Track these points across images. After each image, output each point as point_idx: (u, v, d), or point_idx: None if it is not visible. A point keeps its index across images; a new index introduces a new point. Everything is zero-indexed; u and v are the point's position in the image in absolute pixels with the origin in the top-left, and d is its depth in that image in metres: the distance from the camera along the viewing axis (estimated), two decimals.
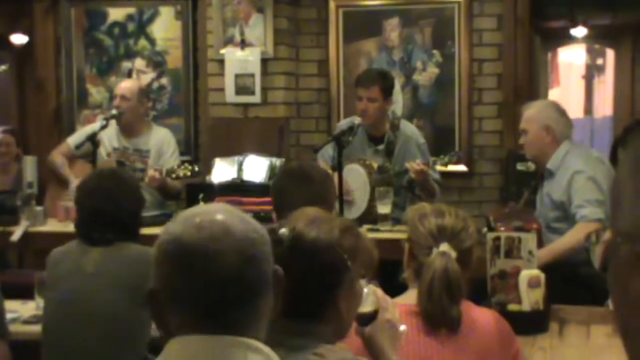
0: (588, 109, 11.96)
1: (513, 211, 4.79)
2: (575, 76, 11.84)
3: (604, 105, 11.74)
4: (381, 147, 5.60)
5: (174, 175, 5.59)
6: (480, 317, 2.74)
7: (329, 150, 5.43)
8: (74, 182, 5.77)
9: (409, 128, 5.75)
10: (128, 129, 6.07)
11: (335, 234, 2.19)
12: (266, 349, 1.65)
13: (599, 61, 11.76)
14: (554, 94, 10.52)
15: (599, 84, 11.96)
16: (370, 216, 5.35)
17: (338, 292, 2.16)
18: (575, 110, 11.28)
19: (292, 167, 4.02)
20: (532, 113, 4.82)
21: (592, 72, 11.88)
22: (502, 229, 4.10)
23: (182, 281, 1.60)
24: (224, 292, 1.60)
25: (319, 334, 2.12)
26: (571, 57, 11.26)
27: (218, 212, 1.66)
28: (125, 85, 6.14)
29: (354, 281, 2.21)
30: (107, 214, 3.60)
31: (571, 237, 4.49)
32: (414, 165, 5.20)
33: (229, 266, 1.59)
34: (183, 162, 5.73)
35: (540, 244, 4.32)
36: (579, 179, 4.56)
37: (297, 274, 2.10)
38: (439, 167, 5.51)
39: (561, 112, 4.90)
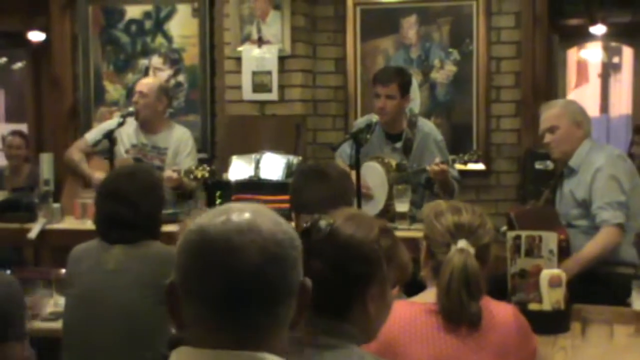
0: (604, 107, 11.93)
1: (535, 209, 4.75)
2: (592, 74, 11.81)
3: (620, 103, 11.70)
4: (399, 144, 5.58)
5: (191, 176, 5.59)
6: (499, 313, 2.71)
7: (346, 149, 5.41)
8: (96, 175, 5.78)
9: (427, 125, 5.73)
10: (147, 126, 6.08)
11: (375, 232, 2.16)
12: None
13: (615, 59, 11.73)
14: (574, 93, 10.48)
15: (615, 82, 11.92)
16: (388, 214, 5.33)
17: (368, 289, 2.13)
18: (591, 109, 11.25)
19: (308, 166, 4.00)
20: (559, 110, 4.75)
21: (608, 70, 11.84)
22: None
23: (199, 272, 1.52)
24: (241, 288, 1.51)
25: (347, 334, 2.09)
26: (587, 56, 11.22)
27: (250, 210, 1.59)
28: (144, 82, 6.15)
29: (387, 284, 2.18)
30: (125, 218, 3.57)
31: (596, 245, 4.45)
32: (434, 167, 5.17)
33: (249, 261, 1.51)
34: (201, 164, 5.72)
35: (568, 252, 4.29)
36: (600, 177, 4.52)
37: (330, 265, 2.07)
38: (458, 166, 5.48)
39: (583, 108, 4.87)
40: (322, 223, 2.11)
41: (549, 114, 4.77)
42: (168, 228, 4.73)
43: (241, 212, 1.57)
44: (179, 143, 6.12)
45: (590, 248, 4.44)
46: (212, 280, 1.51)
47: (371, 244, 2.13)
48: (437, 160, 5.24)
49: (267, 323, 1.55)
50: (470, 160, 5.38)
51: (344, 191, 3.51)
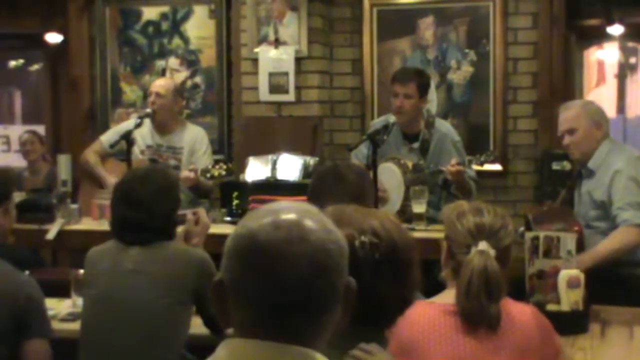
0: (620, 108, 11.87)
1: (552, 210, 4.73)
2: (608, 75, 11.75)
3: (637, 104, 11.64)
4: (416, 145, 5.57)
5: (208, 175, 5.60)
6: (518, 314, 2.70)
7: (363, 150, 5.42)
8: (111, 179, 5.79)
9: (444, 126, 5.72)
10: (162, 127, 6.10)
11: (410, 234, 2.17)
12: None
13: (632, 60, 11.67)
14: (592, 93, 10.43)
15: (631, 83, 11.86)
16: (404, 215, 5.32)
17: (414, 294, 2.13)
18: (607, 110, 11.16)
19: (326, 167, 3.97)
20: (578, 111, 4.73)
21: (624, 71, 11.78)
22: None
23: (250, 279, 1.54)
24: (290, 298, 1.53)
25: (383, 342, 2.09)
26: (603, 56, 11.16)
27: (299, 213, 1.59)
28: (160, 83, 6.16)
29: None
30: (139, 221, 3.57)
31: (613, 242, 4.44)
32: (450, 168, 5.16)
33: (300, 273, 1.52)
34: (217, 162, 5.73)
35: (582, 246, 4.27)
36: (620, 178, 4.51)
37: (391, 277, 2.06)
38: (475, 167, 5.47)
39: (602, 109, 4.86)
40: (366, 240, 2.09)
41: (567, 115, 4.75)
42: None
43: (291, 218, 1.57)
44: (194, 142, 6.14)
45: (607, 244, 4.43)
46: (262, 289, 1.53)
47: (415, 251, 2.13)
48: (454, 161, 5.23)
49: (314, 330, 1.57)
50: (486, 161, 5.37)
51: (362, 192, 3.50)
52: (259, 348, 1.54)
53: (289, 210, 1.59)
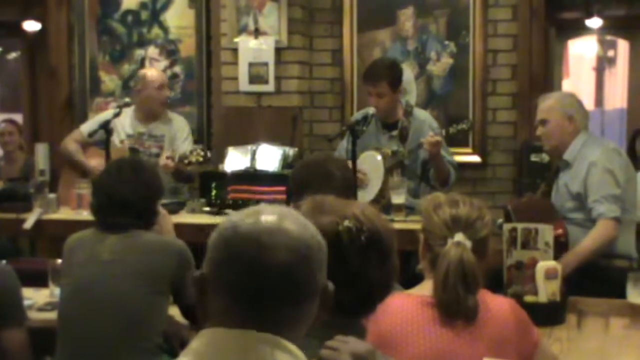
0: (598, 101, 11.94)
1: (533, 203, 4.75)
2: (586, 68, 11.81)
3: (615, 97, 11.71)
4: (395, 132, 5.59)
5: (186, 161, 5.61)
6: (495, 306, 2.70)
7: (343, 143, 5.43)
8: (92, 163, 5.80)
9: (422, 113, 5.77)
10: (148, 115, 6.09)
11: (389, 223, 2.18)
12: (298, 352, 1.61)
13: (610, 53, 11.73)
14: (564, 86, 10.50)
15: (609, 75, 11.93)
16: (383, 200, 5.33)
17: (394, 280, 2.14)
18: (585, 102, 11.22)
19: (313, 161, 3.93)
20: (552, 103, 4.76)
21: (603, 64, 11.84)
22: None
23: (228, 266, 1.60)
24: (268, 286, 1.58)
25: (362, 331, 2.08)
26: (582, 49, 11.21)
27: (281, 213, 1.66)
28: (157, 74, 6.22)
29: None
30: (122, 198, 3.59)
31: (594, 240, 4.44)
32: (429, 138, 5.20)
33: (278, 261, 1.58)
34: (195, 149, 5.72)
35: (567, 246, 4.29)
36: (595, 171, 4.52)
37: (378, 263, 2.06)
38: (456, 157, 5.51)
39: (580, 102, 4.87)
40: (347, 226, 2.10)
41: (542, 106, 4.80)
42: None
43: (271, 214, 1.64)
44: (176, 130, 6.16)
45: (587, 242, 4.44)
46: (242, 275, 1.58)
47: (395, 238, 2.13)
48: (431, 133, 5.28)
49: (290, 319, 1.62)
50: (463, 130, 5.43)
51: (347, 189, 3.51)
52: (232, 336, 1.58)
53: (271, 210, 1.66)
